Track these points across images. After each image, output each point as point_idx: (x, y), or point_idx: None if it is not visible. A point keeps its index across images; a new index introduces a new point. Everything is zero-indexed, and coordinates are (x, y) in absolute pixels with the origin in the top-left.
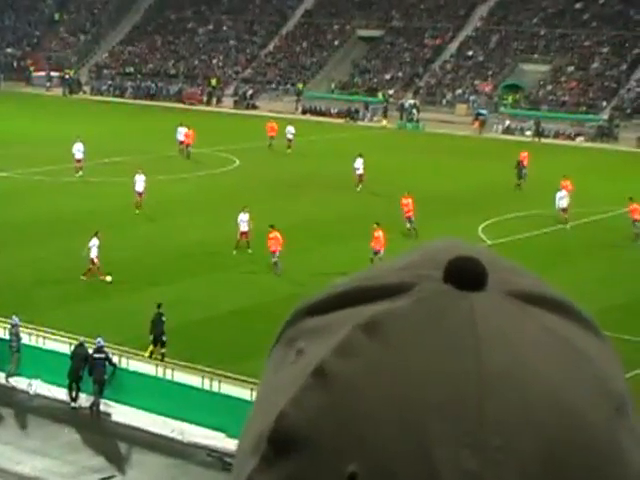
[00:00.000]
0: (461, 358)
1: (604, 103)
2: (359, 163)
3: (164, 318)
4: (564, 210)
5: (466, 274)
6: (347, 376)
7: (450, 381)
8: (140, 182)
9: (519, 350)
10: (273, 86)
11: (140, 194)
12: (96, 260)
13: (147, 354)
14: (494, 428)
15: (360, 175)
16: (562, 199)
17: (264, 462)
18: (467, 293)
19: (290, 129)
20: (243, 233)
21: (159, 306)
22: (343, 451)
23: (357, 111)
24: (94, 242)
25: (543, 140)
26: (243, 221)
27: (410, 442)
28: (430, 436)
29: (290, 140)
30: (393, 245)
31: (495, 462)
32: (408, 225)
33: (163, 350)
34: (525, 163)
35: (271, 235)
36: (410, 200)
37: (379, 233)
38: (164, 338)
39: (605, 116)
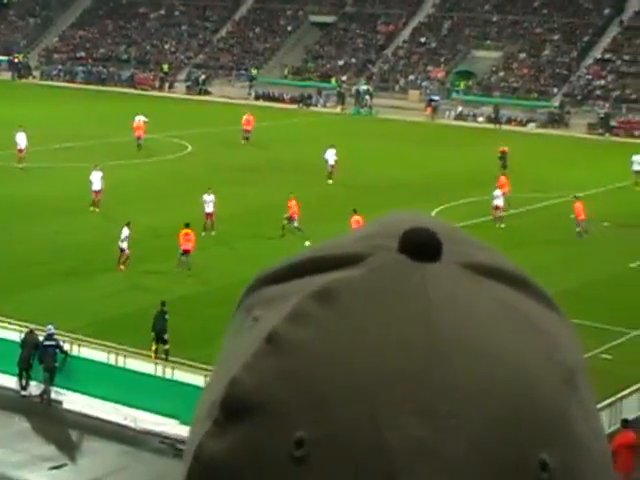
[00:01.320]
0: (412, 326)
1: (555, 90)
2: (330, 154)
3: (167, 316)
4: (497, 208)
5: (421, 245)
6: (299, 342)
7: (400, 348)
8: (97, 180)
9: (470, 319)
10: (226, 71)
11: (97, 192)
12: (127, 250)
13: (152, 353)
14: (443, 395)
15: (332, 166)
16: (497, 198)
17: (216, 427)
18: (421, 264)
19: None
20: (208, 214)
21: (163, 304)
22: (293, 417)
23: (310, 97)
24: (125, 232)
25: (497, 126)
26: (208, 202)
27: (360, 409)
28: (379, 403)
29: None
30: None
31: (443, 428)
32: (285, 222)
33: (166, 347)
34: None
35: (186, 233)
36: (294, 202)
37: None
38: (165, 336)
39: (556, 103)
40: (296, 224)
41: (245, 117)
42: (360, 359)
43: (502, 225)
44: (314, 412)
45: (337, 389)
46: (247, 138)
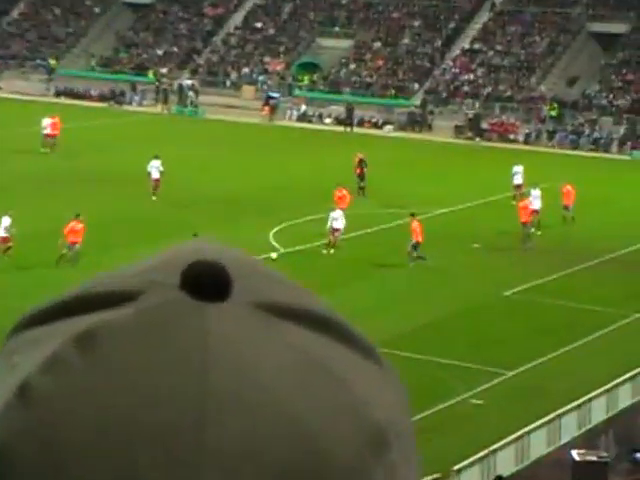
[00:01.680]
0: (183, 378)
1: (416, 86)
2: (154, 166)
3: None
4: (336, 230)
5: (204, 281)
6: (51, 395)
7: (167, 404)
8: None
9: (256, 371)
10: (18, 62)
11: None
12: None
13: None
14: (214, 458)
15: (156, 180)
16: (336, 220)
17: None
18: (204, 303)
19: (47, 122)
20: (3, 238)
21: None
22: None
23: (123, 93)
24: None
25: (348, 129)
26: (4, 226)
27: (115, 473)
28: (139, 467)
29: (49, 136)
30: None
31: None
32: None
33: None
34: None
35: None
36: None
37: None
38: None
39: (417, 101)
40: None
41: (48, 120)
42: (120, 416)
43: (331, 251)
44: (64, 475)
45: (91, 450)
46: (52, 145)
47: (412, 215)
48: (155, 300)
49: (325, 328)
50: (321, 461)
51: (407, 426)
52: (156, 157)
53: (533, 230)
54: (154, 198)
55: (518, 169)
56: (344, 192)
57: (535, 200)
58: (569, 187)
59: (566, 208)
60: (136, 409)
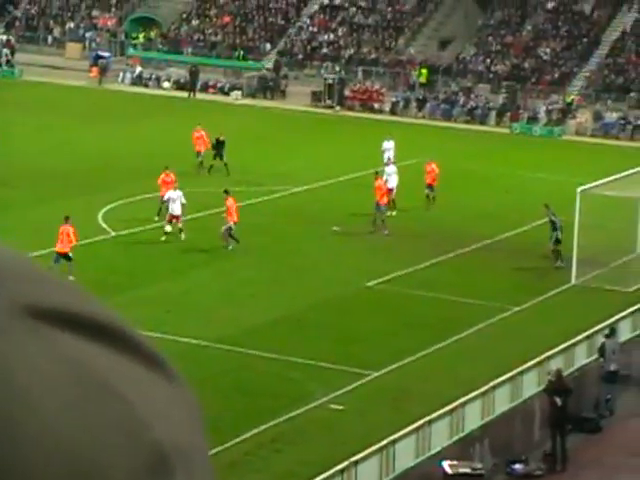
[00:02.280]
0: None
1: (268, 46)
2: None
3: None
4: (175, 217)
5: None
6: None
7: None
8: None
9: (16, 384)
10: None
11: None
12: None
13: None
14: None
15: None
16: (175, 202)
17: None
18: None
19: None
20: None
21: None
22: None
23: None
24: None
25: (190, 95)
26: None
27: None
28: None
29: None
30: None
31: None
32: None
33: None
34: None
35: None
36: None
37: (230, 202)
38: None
39: (269, 64)
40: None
41: None
42: None
43: (182, 236)
44: None
45: None
46: None
47: (226, 192)
48: None
49: (104, 336)
50: None
51: (198, 447)
52: None
53: (388, 213)
54: None
55: (389, 145)
56: (171, 177)
57: (390, 177)
58: (433, 165)
59: (429, 187)
60: None
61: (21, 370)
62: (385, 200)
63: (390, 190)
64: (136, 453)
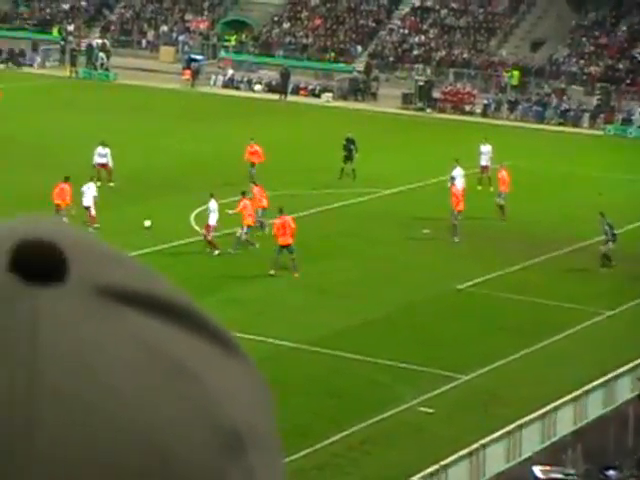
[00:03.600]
0: (8, 374)
1: (359, 49)
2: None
3: None
4: (209, 227)
5: (35, 262)
6: None
7: None
8: None
9: (94, 366)
10: None
11: None
12: None
13: None
14: (44, 466)
15: (104, 165)
16: (213, 212)
17: None
18: (35, 288)
19: None
20: None
21: None
22: None
23: (22, 53)
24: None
25: (281, 97)
26: None
27: None
28: None
29: None
30: None
31: None
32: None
33: None
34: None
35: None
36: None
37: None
38: None
39: (360, 66)
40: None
41: None
42: None
43: (215, 252)
44: None
45: None
46: None
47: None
48: None
49: (174, 316)
50: (168, 467)
51: (269, 428)
52: (103, 144)
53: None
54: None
55: (485, 149)
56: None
57: (458, 180)
58: (504, 172)
59: (500, 195)
60: None
61: (97, 352)
62: (461, 206)
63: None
64: (210, 433)
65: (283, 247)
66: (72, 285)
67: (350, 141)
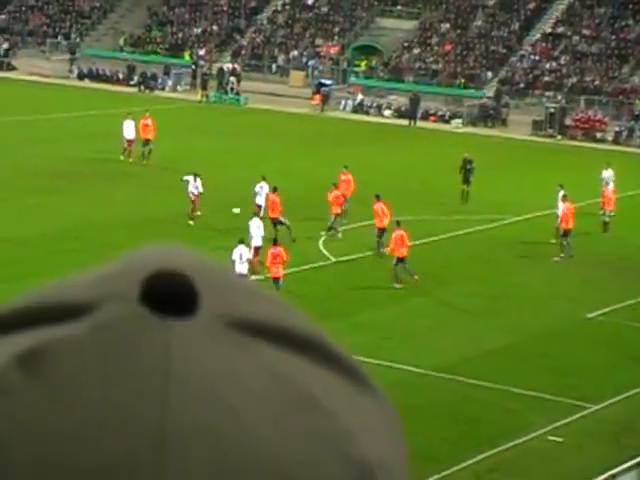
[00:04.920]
0: (143, 407)
1: (489, 75)
2: (195, 185)
3: None
4: (256, 249)
5: (167, 294)
6: None
7: (124, 437)
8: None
9: (225, 398)
10: (37, 39)
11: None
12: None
13: None
14: None
15: (196, 196)
16: (256, 236)
17: None
18: (166, 320)
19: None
20: None
21: None
22: None
23: (155, 77)
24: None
25: (411, 123)
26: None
27: None
28: None
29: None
30: None
31: None
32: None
33: None
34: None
35: None
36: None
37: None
38: None
39: (490, 92)
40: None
41: (142, 121)
42: (69, 450)
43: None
44: None
45: None
46: (149, 153)
47: (398, 224)
48: (111, 315)
49: (307, 349)
50: None
51: (399, 460)
52: (263, 180)
53: (567, 240)
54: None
55: (607, 173)
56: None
57: (559, 204)
58: (609, 191)
59: (604, 213)
60: (87, 440)
61: (229, 385)
62: (566, 225)
63: (557, 216)
64: (341, 468)
65: (399, 260)
66: (204, 318)
67: (468, 162)
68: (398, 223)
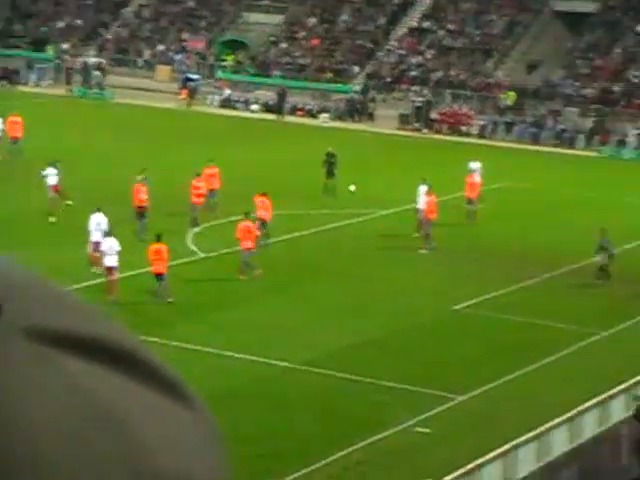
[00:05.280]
0: None
1: (356, 69)
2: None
3: None
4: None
5: None
6: None
7: None
8: None
9: (16, 416)
10: None
11: None
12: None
13: None
14: None
15: (56, 188)
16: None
17: None
18: None
19: None
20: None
21: None
22: None
23: (17, 71)
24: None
25: (279, 117)
26: None
27: None
28: None
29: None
30: None
31: None
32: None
33: None
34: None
35: None
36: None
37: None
38: None
39: (357, 87)
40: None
41: (11, 119)
42: None
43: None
44: None
45: None
46: (18, 151)
47: (246, 215)
48: None
49: (119, 363)
50: None
51: (215, 473)
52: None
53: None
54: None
55: (474, 166)
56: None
57: (419, 198)
58: (473, 178)
59: (470, 202)
60: None
61: (21, 399)
62: (430, 216)
63: (418, 210)
64: (131, 478)
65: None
66: (4, 327)
67: (331, 155)
68: (247, 214)
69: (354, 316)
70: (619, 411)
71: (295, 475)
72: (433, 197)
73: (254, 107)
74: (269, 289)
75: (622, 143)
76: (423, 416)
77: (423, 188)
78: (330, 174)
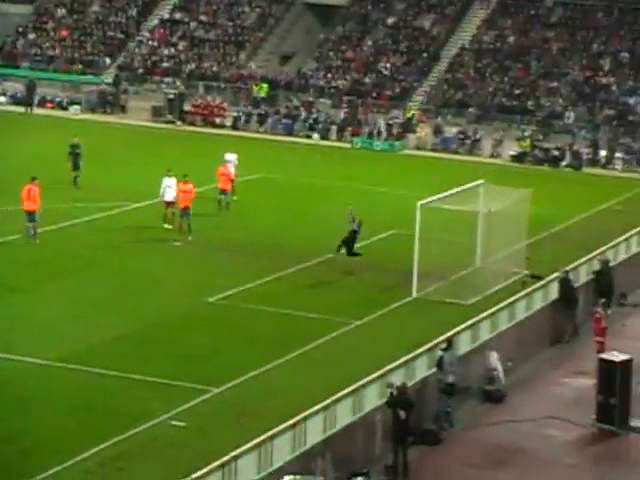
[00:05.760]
0: None
1: (107, 60)
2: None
3: None
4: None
5: None
6: None
7: None
8: None
9: None
10: None
11: None
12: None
13: None
14: None
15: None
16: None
17: None
18: None
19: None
20: None
21: None
22: None
23: None
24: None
25: (28, 110)
26: None
27: None
28: None
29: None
30: None
31: None
32: None
33: None
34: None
35: None
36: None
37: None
38: None
39: (108, 78)
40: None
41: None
42: None
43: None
44: None
45: None
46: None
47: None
48: None
49: None
50: None
51: None
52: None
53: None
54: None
55: (230, 157)
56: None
57: (167, 190)
58: (224, 169)
59: (223, 193)
60: None
61: None
62: (184, 204)
63: (171, 203)
64: None
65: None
66: None
67: (75, 147)
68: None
69: (109, 310)
70: (373, 398)
71: (49, 472)
72: (189, 187)
73: (1, 99)
74: (20, 286)
75: (374, 134)
76: (179, 409)
77: (169, 180)
78: (75, 167)
